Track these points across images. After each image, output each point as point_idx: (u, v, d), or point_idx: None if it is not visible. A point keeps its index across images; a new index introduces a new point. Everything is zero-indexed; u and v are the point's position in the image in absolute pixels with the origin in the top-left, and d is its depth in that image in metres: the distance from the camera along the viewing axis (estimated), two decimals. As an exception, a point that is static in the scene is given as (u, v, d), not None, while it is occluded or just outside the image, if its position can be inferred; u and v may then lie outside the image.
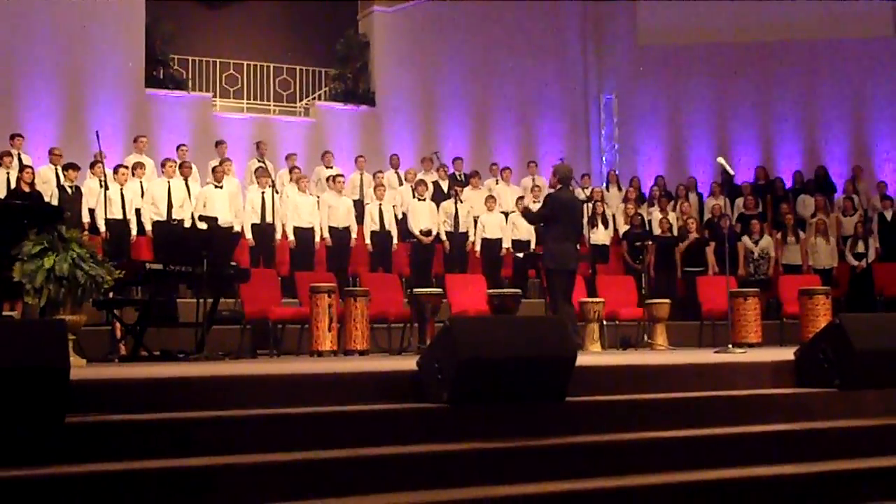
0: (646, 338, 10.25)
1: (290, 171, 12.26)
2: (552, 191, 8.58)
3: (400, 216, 12.08)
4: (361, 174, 13.00)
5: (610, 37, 16.96)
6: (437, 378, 4.66)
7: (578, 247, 8.53)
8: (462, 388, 4.58)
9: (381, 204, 11.75)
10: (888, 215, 13.23)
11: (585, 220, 12.07)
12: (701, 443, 4.78)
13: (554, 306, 8.19)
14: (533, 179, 13.65)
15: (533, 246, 11.88)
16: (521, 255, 11.89)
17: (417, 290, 9.33)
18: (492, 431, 4.52)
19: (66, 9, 13.51)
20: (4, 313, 7.53)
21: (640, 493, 4.28)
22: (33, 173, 10.73)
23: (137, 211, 10.91)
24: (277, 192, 11.53)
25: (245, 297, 9.33)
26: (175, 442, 4.04)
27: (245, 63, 15.63)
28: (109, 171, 10.80)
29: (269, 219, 11.12)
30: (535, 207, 9.96)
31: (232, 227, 10.84)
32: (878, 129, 16.24)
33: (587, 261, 11.51)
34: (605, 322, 10.10)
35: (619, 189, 14.16)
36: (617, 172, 14.95)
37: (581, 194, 12.62)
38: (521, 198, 12.40)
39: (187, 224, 10.76)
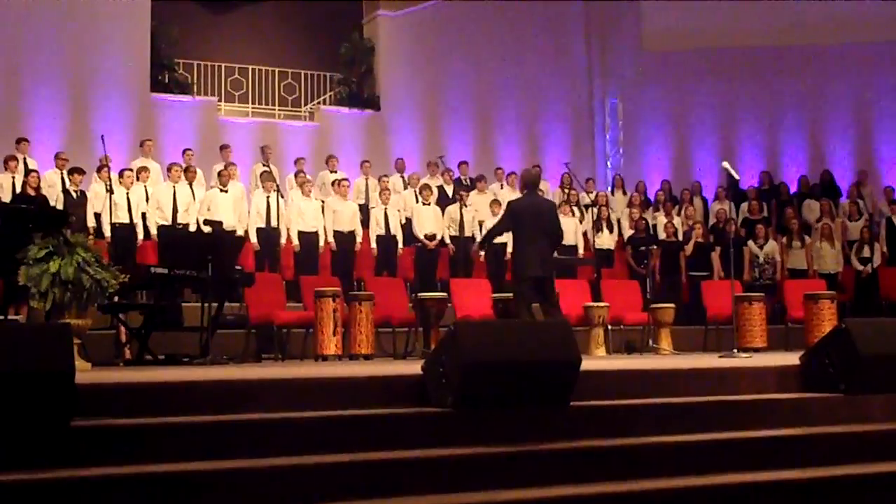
0: (650, 342, 10.23)
1: (296, 176, 12.27)
2: (512, 199, 8.48)
3: (404, 221, 12.08)
4: (366, 178, 13.00)
5: (615, 41, 16.95)
6: (441, 382, 4.66)
7: (551, 251, 8.09)
8: (466, 392, 4.58)
9: (386, 208, 11.75)
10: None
11: (590, 224, 12.14)
12: (706, 447, 4.78)
13: (517, 313, 7.84)
14: (537, 184, 13.61)
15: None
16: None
17: (422, 295, 9.33)
18: (496, 436, 4.52)
19: (72, 13, 13.54)
20: (10, 317, 7.54)
21: (645, 497, 4.27)
22: (39, 177, 10.76)
23: (143, 215, 10.93)
24: (282, 197, 11.55)
25: (250, 301, 9.33)
26: (180, 446, 4.04)
27: (250, 67, 15.65)
28: (115, 175, 10.82)
29: (274, 223, 11.13)
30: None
31: (236, 232, 10.85)
32: (883, 133, 16.21)
33: (590, 264, 11.50)
34: (609, 326, 10.08)
35: (624, 193, 14.14)
36: (622, 177, 14.93)
37: (585, 198, 12.64)
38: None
39: (192, 228, 10.77)
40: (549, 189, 13.28)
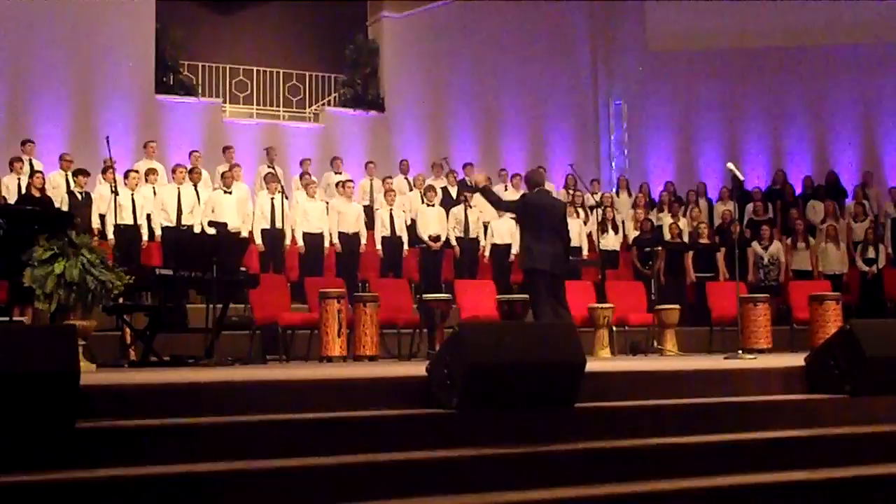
0: (655, 344, 10.22)
1: (300, 177, 12.28)
2: (526, 192, 8.40)
3: (409, 222, 12.08)
4: (371, 180, 13.01)
5: (619, 42, 16.96)
6: (446, 384, 4.66)
7: (565, 251, 7.96)
8: (471, 393, 4.57)
9: (391, 209, 11.75)
10: (900, 221, 13.20)
11: (595, 225, 12.14)
12: (711, 449, 4.77)
13: (535, 309, 7.75)
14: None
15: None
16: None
17: (427, 296, 9.33)
18: (501, 437, 4.51)
19: (77, 15, 13.57)
20: (15, 318, 7.55)
21: (651, 499, 4.27)
22: (44, 179, 10.78)
23: (148, 216, 10.94)
24: (287, 198, 11.54)
25: (255, 302, 9.34)
26: (184, 447, 4.05)
27: (255, 69, 15.67)
28: (119, 177, 10.83)
29: (278, 224, 11.14)
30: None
31: (240, 233, 10.86)
32: (888, 134, 16.18)
33: (595, 265, 11.50)
34: (614, 328, 10.08)
35: (629, 194, 14.14)
36: (626, 178, 14.93)
37: (590, 199, 12.64)
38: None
39: (197, 230, 10.78)
40: (554, 190, 13.27)
